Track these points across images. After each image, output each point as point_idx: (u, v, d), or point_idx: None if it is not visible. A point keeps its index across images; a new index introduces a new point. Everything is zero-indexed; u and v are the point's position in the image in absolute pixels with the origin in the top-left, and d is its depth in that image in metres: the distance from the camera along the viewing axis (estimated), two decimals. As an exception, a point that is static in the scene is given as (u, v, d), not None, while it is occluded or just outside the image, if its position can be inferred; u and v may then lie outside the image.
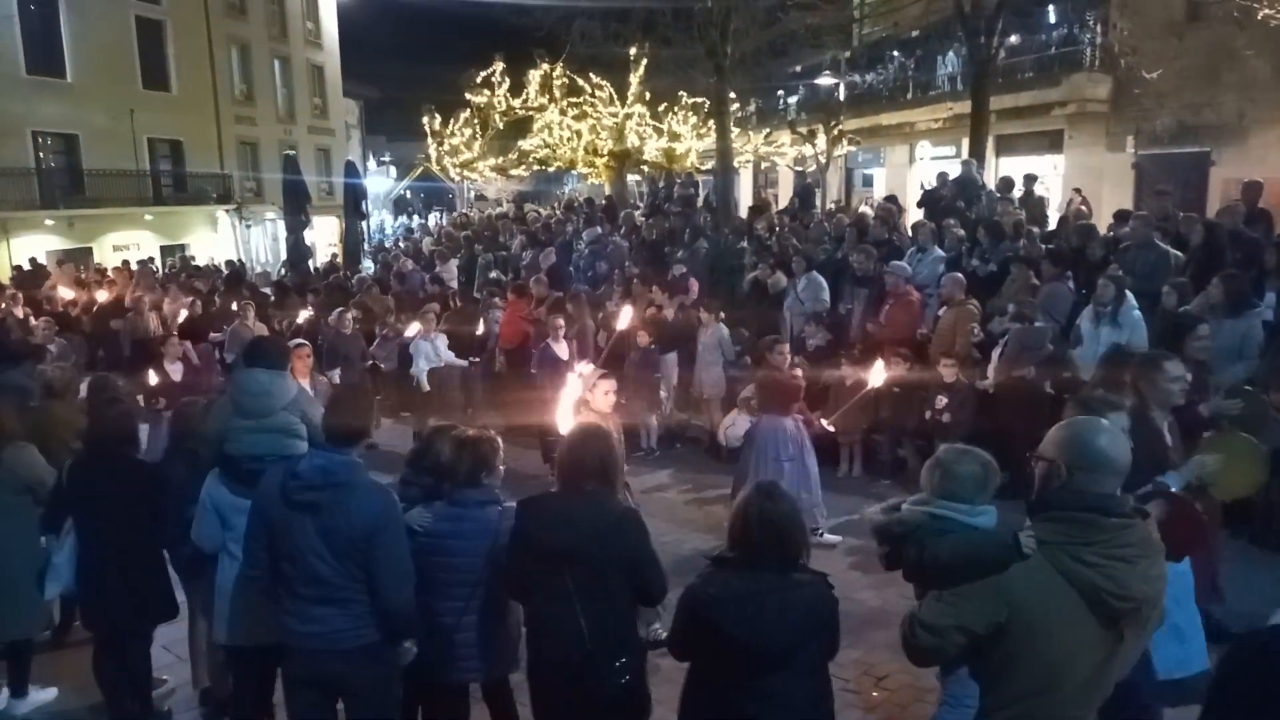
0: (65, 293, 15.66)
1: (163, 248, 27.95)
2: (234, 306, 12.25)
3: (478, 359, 10.86)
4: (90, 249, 26.27)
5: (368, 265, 20.96)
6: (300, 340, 7.94)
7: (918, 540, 2.68)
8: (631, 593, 3.35)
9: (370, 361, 10.50)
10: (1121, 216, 11.02)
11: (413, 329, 10.28)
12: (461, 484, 3.74)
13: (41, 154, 26.09)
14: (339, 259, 21.54)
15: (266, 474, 3.57)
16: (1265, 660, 1.82)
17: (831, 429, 7.13)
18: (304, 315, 11.84)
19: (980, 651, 2.51)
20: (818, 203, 18.57)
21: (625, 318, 8.33)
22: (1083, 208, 13.86)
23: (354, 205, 22.36)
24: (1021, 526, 2.57)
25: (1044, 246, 9.38)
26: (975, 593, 2.47)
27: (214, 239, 30.67)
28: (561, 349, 9.35)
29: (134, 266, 19.52)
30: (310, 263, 21.85)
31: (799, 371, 7.35)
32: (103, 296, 15.40)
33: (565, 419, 4.66)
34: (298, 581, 3.41)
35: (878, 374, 6.23)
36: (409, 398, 10.66)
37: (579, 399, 5.30)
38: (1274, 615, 2.13)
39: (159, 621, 4.73)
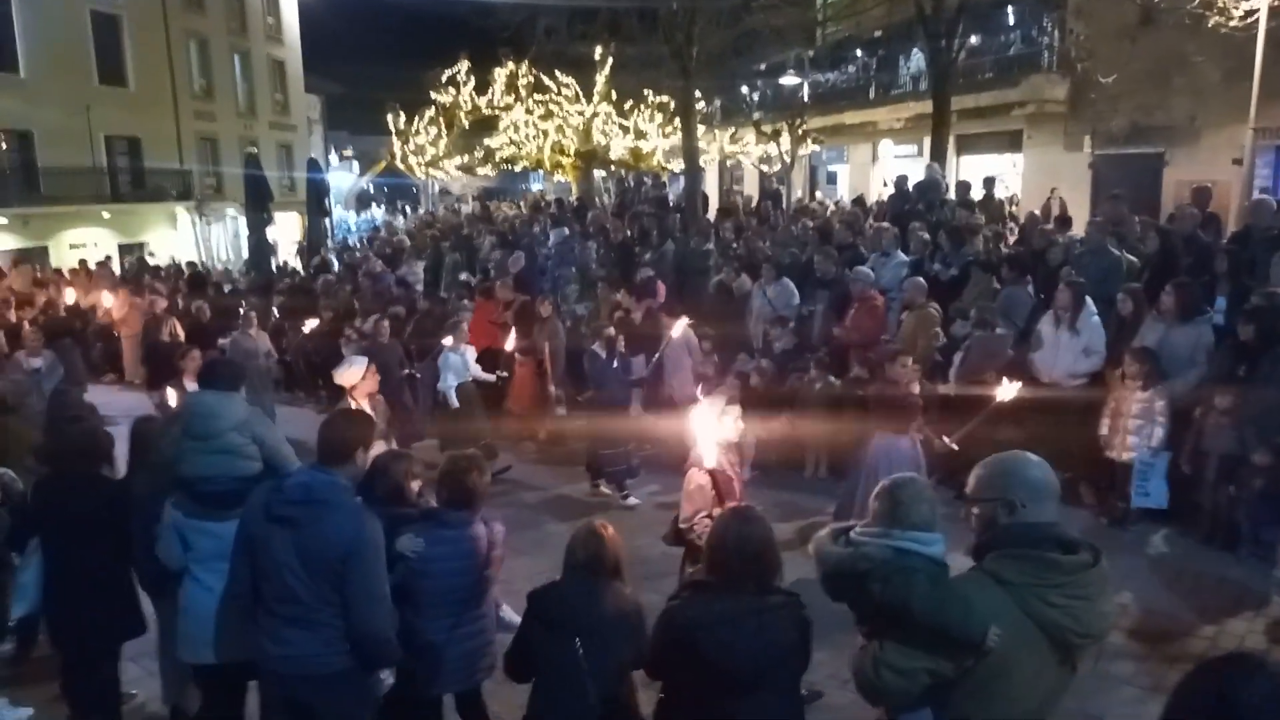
0: (67, 295, 14.97)
1: (121, 246, 27.36)
2: (241, 311, 11.69)
3: (507, 374, 10.15)
4: (46, 248, 25.74)
5: (331, 262, 20.68)
6: (362, 357, 7.05)
7: (883, 577, 2.63)
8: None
9: (408, 371, 9.78)
10: (1062, 221, 11.31)
11: (446, 340, 9.42)
12: (457, 505, 3.83)
13: (-6, 152, 25.58)
14: (329, 256, 20.36)
15: (254, 491, 3.62)
16: (1219, 692, 1.80)
17: (955, 448, 6.42)
18: (310, 324, 11.51)
19: (942, 689, 2.55)
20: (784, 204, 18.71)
21: (679, 328, 8.42)
22: (1035, 212, 14.15)
23: (317, 202, 22.11)
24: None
25: (1004, 250, 9.57)
26: (949, 638, 2.51)
27: (174, 236, 30.19)
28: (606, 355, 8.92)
29: (92, 266, 19.20)
30: (273, 260, 21.59)
31: (917, 386, 6.58)
32: (109, 301, 14.75)
33: (709, 453, 4.26)
34: (273, 599, 3.43)
35: (1007, 389, 5.58)
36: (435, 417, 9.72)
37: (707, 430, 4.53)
38: None
39: (126, 638, 4.71)
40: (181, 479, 4.11)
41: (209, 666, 4.09)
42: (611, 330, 9.12)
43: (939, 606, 2.53)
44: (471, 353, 9.68)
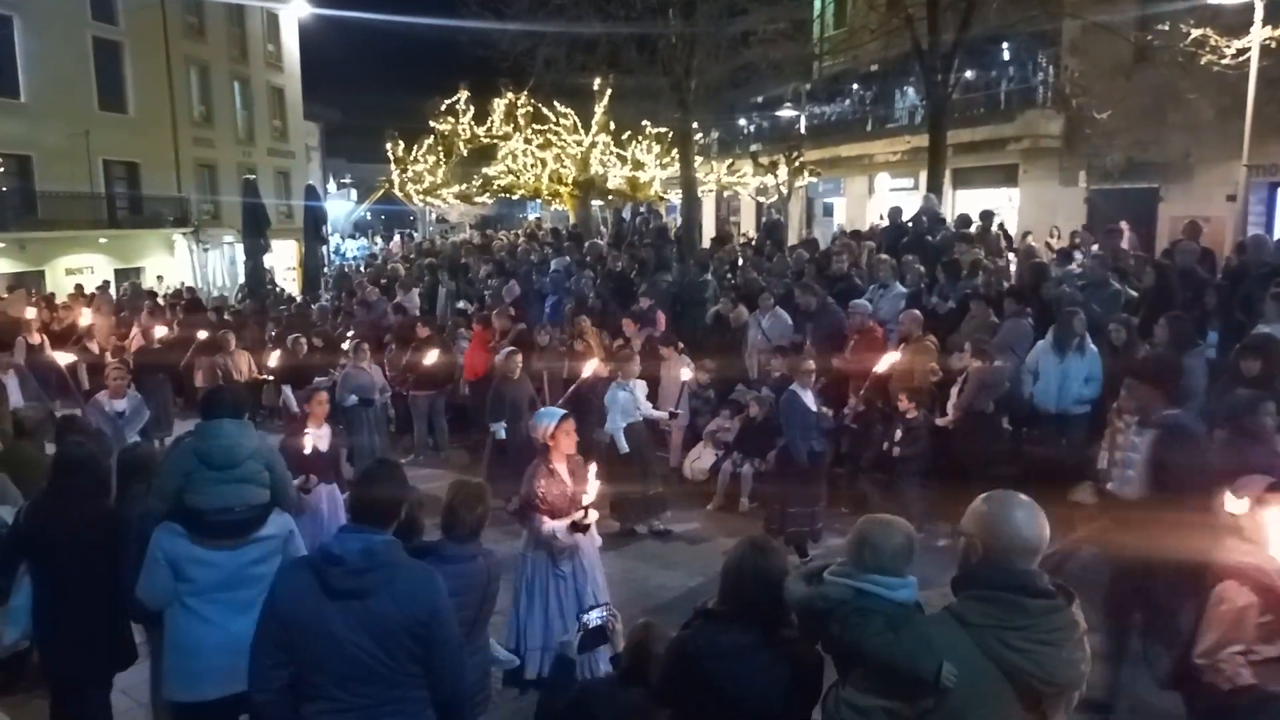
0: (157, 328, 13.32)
1: (117, 271, 27.42)
2: (344, 346, 10.84)
3: (678, 410, 9.21)
4: (42, 272, 25.76)
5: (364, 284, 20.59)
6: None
7: (841, 617, 2.63)
8: None
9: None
10: (1064, 254, 11.40)
11: (589, 367, 8.36)
12: (460, 538, 3.82)
13: (-7, 175, 25.64)
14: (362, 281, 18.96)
15: (282, 575, 3.23)
16: None
17: None
18: (431, 357, 10.63)
19: None
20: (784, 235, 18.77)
21: (887, 363, 7.39)
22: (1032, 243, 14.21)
23: (314, 230, 22.16)
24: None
25: (1005, 284, 9.62)
26: (904, 678, 2.50)
27: (170, 262, 30.24)
28: (809, 398, 7.46)
29: (89, 291, 19.15)
30: (271, 287, 21.67)
31: None
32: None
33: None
34: (339, 688, 3.01)
35: None
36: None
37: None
38: None
39: (117, 670, 4.64)
40: (194, 510, 3.96)
41: (198, 704, 3.90)
42: (811, 364, 7.72)
43: (889, 645, 2.52)
44: (641, 388, 8.51)
